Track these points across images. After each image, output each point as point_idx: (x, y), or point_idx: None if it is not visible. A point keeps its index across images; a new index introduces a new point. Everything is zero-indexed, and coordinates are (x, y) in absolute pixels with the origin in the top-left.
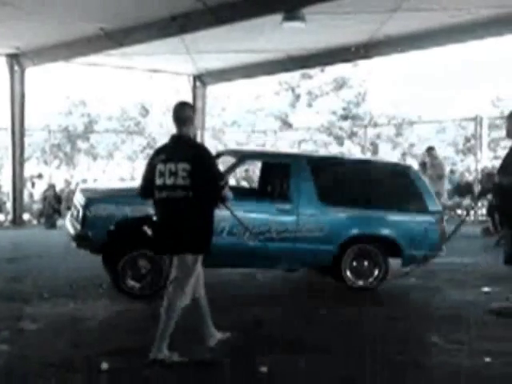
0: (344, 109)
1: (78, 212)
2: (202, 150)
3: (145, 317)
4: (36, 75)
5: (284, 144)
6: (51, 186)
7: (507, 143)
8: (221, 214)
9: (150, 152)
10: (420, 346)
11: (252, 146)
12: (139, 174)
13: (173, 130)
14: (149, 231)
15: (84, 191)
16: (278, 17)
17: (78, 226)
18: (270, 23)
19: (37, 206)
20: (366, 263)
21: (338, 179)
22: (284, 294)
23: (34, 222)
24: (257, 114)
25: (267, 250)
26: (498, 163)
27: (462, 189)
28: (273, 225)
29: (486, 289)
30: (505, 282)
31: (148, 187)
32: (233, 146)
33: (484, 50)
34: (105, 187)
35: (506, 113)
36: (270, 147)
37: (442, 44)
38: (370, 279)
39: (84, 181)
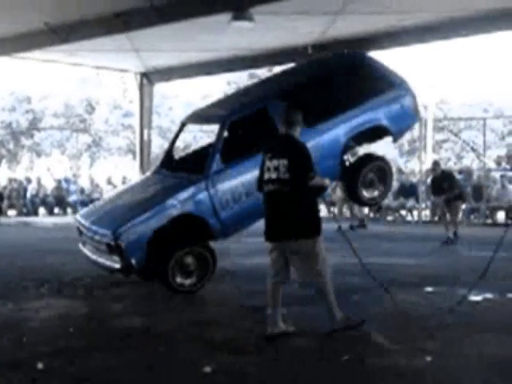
0: None
1: (102, 244)
2: (298, 147)
3: (84, 317)
4: None
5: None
6: None
7: (450, 145)
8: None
9: (95, 149)
10: (364, 346)
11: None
12: (85, 172)
13: (118, 127)
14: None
15: (94, 222)
16: (227, 16)
17: (116, 259)
18: (219, 22)
19: None
20: None
21: (314, 100)
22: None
23: None
24: None
25: None
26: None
27: (407, 190)
28: None
29: (428, 289)
30: (447, 282)
31: (260, 181)
32: (180, 145)
33: (429, 54)
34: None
35: (450, 115)
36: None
37: (389, 47)
38: None
39: (28, 179)
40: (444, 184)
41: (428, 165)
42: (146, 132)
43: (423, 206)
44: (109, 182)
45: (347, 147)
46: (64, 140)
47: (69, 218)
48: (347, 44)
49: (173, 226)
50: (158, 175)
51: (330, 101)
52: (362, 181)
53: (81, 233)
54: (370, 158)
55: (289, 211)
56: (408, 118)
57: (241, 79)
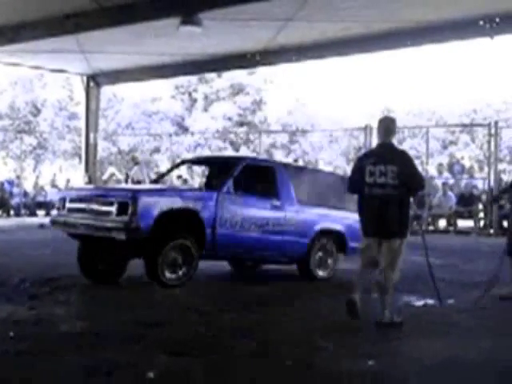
0: (240, 115)
1: (111, 204)
2: (406, 155)
3: (26, 321)
4: None
5: (180, 148)
6: None
7: None
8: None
9: (40, 152)
10: (307, 350)
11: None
12: (29, 175)
13: (64, 129)
14: None
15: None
16: (176, 20)
17: (122, 220)
18: (168, 26)
19: None
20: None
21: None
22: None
23: None
24: (152, 118)
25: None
26: None
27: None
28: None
29: (375, 295)
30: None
31: (355, 184)
32: (126, 148)
33: (376, 63)
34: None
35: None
36: (165, 151)
37: (336, 55)
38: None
39: None
40: None
41: None
42: (91, 135)
43: None
44: (53, 184)
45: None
46: (8, 142)
47: (12, 221)
48: (295, 51)
49: (178, 215)
50: None
51: (318, 195)
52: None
53: (64, 203)
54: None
55: (393, 213)
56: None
57: (189, 83)
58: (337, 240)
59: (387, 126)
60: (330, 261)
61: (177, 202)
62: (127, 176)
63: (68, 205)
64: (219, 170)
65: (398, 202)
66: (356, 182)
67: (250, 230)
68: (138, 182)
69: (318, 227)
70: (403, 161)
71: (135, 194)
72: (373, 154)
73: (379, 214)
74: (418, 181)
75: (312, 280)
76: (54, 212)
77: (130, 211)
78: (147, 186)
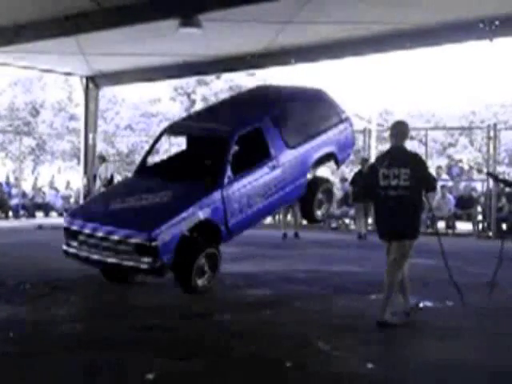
0: None
1: (125, 244)
2: (419, 159)
3: (25, 323)
4: None
5: (179, 150)
6: None
7: None
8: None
9: (39, 153)
10: (307, 353)
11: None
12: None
13: (63, 130)
14: None
15: (106, 222)
16: (175, 22)
17: (144, 260)
18: (167, 28)
19: None
20: None
21: (293, 126)
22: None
23: None
24: (151, 119)
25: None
26: None
27: (350, 199)
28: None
29: (373, 296)
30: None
31: (369, 187)
32: (125, 151)
33: (375, 65)
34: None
35: None
36: (163, 152)
37: (336, 57)
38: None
39: None
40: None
41: None
42: (90, 136)
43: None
44: (51, 186)
45: (311, 167)
46: (7, 143)
47: (11, 222)
48: (294, 53)
49: (197, 229)
50: (148, 180)
51: (304, 128)
52: (316, 203)
53: (72, 234)
54: (320, 181)
55: (405, 214)
56: (349, 148)
57: (189, 85)
58: (330, 157)
59: (401, 130)
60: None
61: (189, 222)
62: (94, 176)
63: (80, 237)
64: (202, 149)
65: (410, 204)
66: (370, 187)
67: (257, 203)
68: (107, 180)
69: (311, 160)
70: (416, 163)
71: (151, 235)
72: (386, 158)
73: (392, 216)
74: (430, 182)
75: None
76: (64, 245)
77: (151, 253)
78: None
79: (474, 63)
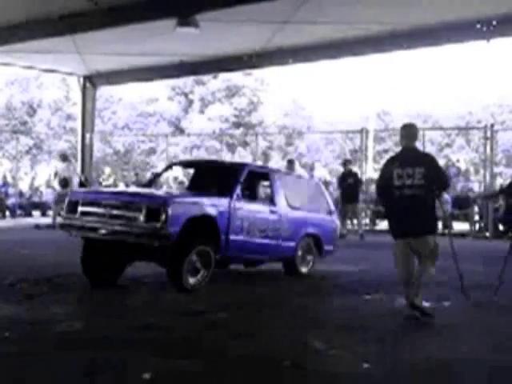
0: (236, 116)
1: (136, 210)
2: (432, 158)
3: (22, 322)
4: None
5: (176, 150)
6: None
7: (391, 155)
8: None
9: (36, 152)
10: (304, 352)
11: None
12: (25, 175)
13: (60, 130)
14: None
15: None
16: (172, 22)
17: (149, 225)
18: (164, 27)
19: None
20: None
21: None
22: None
23: None
24: (149, 119)
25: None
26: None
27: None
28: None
29: (367, 296)
30: (386, 290)
31: (385, 186)
32: (121, 150)
33: (372, 65)
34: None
35: (391, 126)
36: (161, 152)
37: (334, 57)
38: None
39: None
40: (349, 180)
41: (369, 174)
42: (87, 135)
43: (363, 214)
44: (48, 185)
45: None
46: (4, 142)
47: (8, 221)
48: (291, 53)
49: (200, 221)
50: None
51: (303, 200)
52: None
53: (74, 206)
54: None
55: (422, 211)
56: (334, 241)
57: (185, 84)
58: (316, 241)
59: (412, 131)
60: (309, 257)
61: (200, 209)
62: (56, 173)
63: (81, 208)
64: (210, 174)
65: (425, 202)
66: (384, 187)
67: (254, 235)
68: (65, 180)
69: (304, 230)
70: (429, 162)
71: (167, 200)
72: (399, 158)
73: (408, 214)
74: (444, 180)
75: (297, 276)
76: (62, 214)
77: (162, 217)
78: (155, 190)
79: (470, 64)
